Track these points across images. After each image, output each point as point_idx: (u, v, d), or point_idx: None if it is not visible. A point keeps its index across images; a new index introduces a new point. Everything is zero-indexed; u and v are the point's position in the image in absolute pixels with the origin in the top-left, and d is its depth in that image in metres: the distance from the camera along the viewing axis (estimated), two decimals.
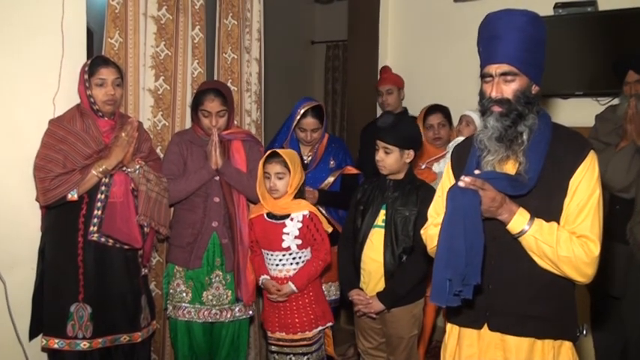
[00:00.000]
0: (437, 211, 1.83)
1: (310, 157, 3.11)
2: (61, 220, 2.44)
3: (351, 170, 3.16)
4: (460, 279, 1.55)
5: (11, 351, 2.48)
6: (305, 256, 2.67)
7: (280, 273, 2.66)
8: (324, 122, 3.08)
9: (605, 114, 2.92)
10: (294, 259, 2.65)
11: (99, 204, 2.44)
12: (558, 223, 1.65)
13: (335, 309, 3.18)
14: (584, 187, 1.64)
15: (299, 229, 2.62)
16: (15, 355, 2.49)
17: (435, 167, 3.21)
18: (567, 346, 1.73)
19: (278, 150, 2.67)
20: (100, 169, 2.42)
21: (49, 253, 2.46)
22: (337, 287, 3.09)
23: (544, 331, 1.71)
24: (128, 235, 2.48)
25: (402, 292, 2.51)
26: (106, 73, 2.45)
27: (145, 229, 2.54)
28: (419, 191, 2.54)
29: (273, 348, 2.74)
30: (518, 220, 1.63)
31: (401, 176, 2.58)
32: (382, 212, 2.57)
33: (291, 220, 2.64)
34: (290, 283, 2.62)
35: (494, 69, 1.65)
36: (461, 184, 1.58)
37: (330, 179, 3.10)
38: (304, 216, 2.64)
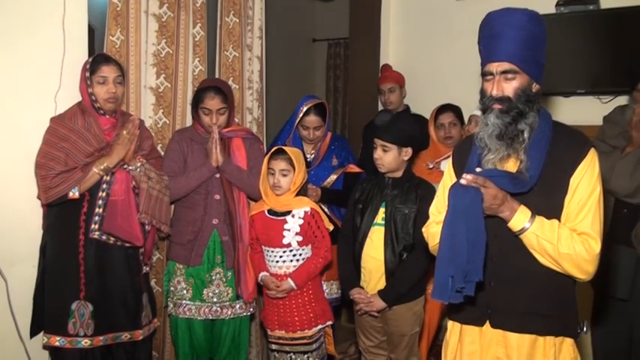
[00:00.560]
0: (438, 209, 1.84)
1: (313, 155, 3.11)
2: (62, 218, 2.44)
3: (353, 169, 3.16)
4: (462, 276, 1.56)
5: (12, 348, 2.48)
6: (305, 253, 2.67)
7: (280, 270, 2.66)
8: (327, 120, 3.08)
9: (612, 116, 2.89)
10: (294, 255, 2.65)
11: (100, 202, 2.44)
12: (559, 221, 1.66)
13: (336, 307, 3.19)
14: (585, 185, 1.64)
15: (300, 226, 2.63)
16: (16, 353, 2.49)
17: (442, 166, 3.19)
18: (568, 342, 1.74)
19: (284, 147, 2.68)
20: (102, 167, 2.42)
21: (50, 250, 2.46)
22: (338, 286, 3.09)
23: (545, 328, 1.71)
24: (129, 233, 2.48)
25: (404, 289, 2.51)
26: (108, 71, 2.45)
27: (146, 227, 2.54)
28: (418, 189, 2.54)
29: (274, 346, 2.74)
30: (520, 218, 1.64)
31: (400, 174, 2.58)
32: (382, 210, 2.57)
33: (293, 216, 2.64)
34: (289, 279, 2.62)
35: (495, 67, 1.66)
36: (463, 181, 1.59)
37: (333, 177, 3.10)
38: (305, 212, 2.64)
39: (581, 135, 1.73)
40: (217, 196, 2.76)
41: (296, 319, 2.66)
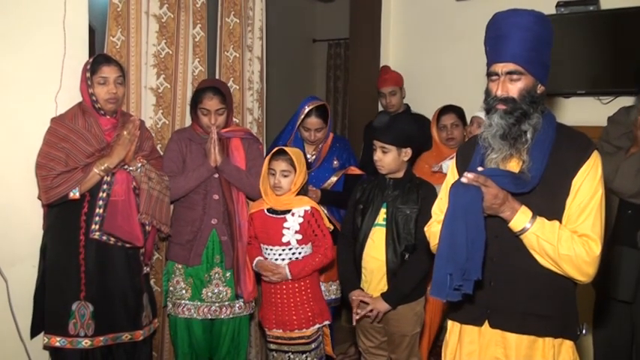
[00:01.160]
0: (441, 208, 1.84)
1: (314, 156, 3.11)
2: (62, 218, 2.44)
3: (354, 171, 3.15)
4: (461, 274, 1.57)
5: (13, 349, 2.48)
6: (305, 252, 2.67)
7: None
8: (329, 122, 3.08)
9: (617, 116, 2.88)
10: (293, 254, 2.65)
11: (100, 202, 2.44)
12: (560, 222, 1.66)
13: (336, 308, 3.19)
14: (587, 187, 1.65)
15: (300, 224, 2.63)
16: (17, 353, 2.49)
17: (443, 167, 3.18)
18: (568, 344, 1.74)
19: (285, 148, 2.68)
20: (102, 168, 2.42)
21: (50, 251, 2.46)
22: (338, 286, 3.08)
23: (544, 329, 1.72)
24: (130, 233, 2.48)
25: (407, 290, 2.51)
26: (108, 72, 2.45)
27: (147, 227, 2.54)
28: (419, 189, 2.55)
29: (272, 346, 2.74)
30: (520, 218, 1.64)
31: (400, 175, 2.58)
32: (383, 211, 2.57)
33: (292, 215, 2.64)
34: (286, 266, 2.62)
35: (500, 68, 1.67)
36: (464, 180, 1.60)
37: (333, 179, 3.10)
38: (305, 211, 2.64)
39: (584, 137, 1.73)
40: (216, 196, 2.76)
41: (294, 317, 2.66)
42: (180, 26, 3.00)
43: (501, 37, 1.66)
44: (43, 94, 2.53)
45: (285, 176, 2.63)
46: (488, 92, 1.71)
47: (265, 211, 2.69)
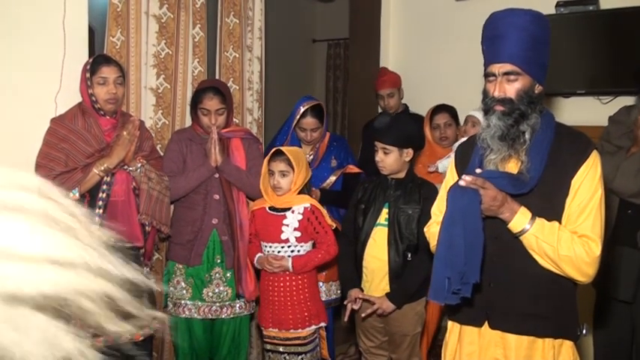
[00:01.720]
0: (440, 209, 1.84)
1: (312, 156, 3.11)
2: None
3: (352, 169, 3.15)
4: (459, 277, 1.56)
5: None
6: (304, 250, 2.67)
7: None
8: (325, 121, 3.07)
9: (618, 116, 2.88)
10: (292, 251, 2.65)
11: (100, 202, 2.44)
12: (560, 223, 1.65)
13: (336, 308, 3.18)
14: (586, 187, 1.64)
15: (299, 221, 2.63)
16: None
17: (440, 167, 3.19)
18: (568, 345, 1.74)
19: (282, 148, 2.68)
20: (102, 168, 2.42)
21: None
22: (338, 286, 3.08)
23: (544, 329, 1.72)
24: (129, 233, 2.48)
25: (412, 290, 2.51)
26: (108, 72, 2.45)
27: (147, 227, 2.54)
28: (421, 189, 2.55)
29: (268, 346, 2.74)
30: (520, 219, 1.64)
31: (402, 175, 2.58)
32: (384, 211, 2.57)
33: (292, 212, 2.64)
34: (289, 259, 2.61)
35: (498, 68, 1.66)
36: (461, 183, 1.59)
37: (332, 178, 3.10)
38: (305, 208, 2.65)
39: (584, 137, 1.73)
40: (216, 196, 2.76)
41: (290, 317, 2.66)
42: (180, 26, 3.00)
43: (498, 37, 1.65)
44: (42, 94, 2.53)
45: (284, 176, 2.63)
46: (485, 93, 1.71)
47: (267, 208, 2.70)
